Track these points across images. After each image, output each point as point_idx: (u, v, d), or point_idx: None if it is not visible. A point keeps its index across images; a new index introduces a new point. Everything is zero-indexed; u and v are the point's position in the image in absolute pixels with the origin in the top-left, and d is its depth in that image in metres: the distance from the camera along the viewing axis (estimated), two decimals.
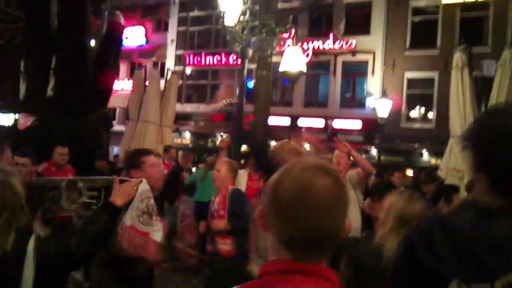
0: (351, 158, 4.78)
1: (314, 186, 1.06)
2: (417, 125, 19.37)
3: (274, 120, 18.58)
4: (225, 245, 4.15)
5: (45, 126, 6.31)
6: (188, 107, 24.06)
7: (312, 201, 1.05)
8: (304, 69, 9.02)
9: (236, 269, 3.78)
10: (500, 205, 1.29)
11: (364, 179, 4.84)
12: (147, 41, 26.46)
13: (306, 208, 1.05)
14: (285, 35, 12.85)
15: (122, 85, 24.81)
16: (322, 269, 1.10)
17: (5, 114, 25.32)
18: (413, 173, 17.90)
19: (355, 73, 21.37)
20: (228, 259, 4.08)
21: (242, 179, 5.62)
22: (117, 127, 21.43)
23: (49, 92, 6.86)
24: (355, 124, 20.17)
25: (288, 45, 11.43)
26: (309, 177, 1.07)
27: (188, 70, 25.03)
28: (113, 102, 21.90)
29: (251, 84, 17.61)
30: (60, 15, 7.22)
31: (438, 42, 19.08)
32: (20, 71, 7.79)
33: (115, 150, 16.88)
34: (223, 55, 23.34)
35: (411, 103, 19.88)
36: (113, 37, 7.92)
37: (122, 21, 7.77)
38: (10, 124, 21.63)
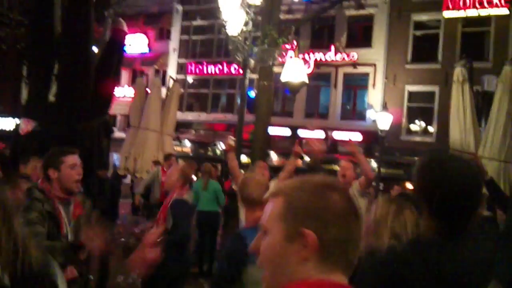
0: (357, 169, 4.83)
1: (332, 206, 1.03)
2: (417, 138, 19.39)
3: (274, 130, 18.61)
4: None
5: (46, 132, 6.33)
6: (189, 116, 24.11)
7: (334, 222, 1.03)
8: (306, 80, 9.05)
9: None
10: (438, 227, 1.61)
11: (366, 188, 4.87)
12: (149, 49, 26.57)
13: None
14: (287, 46, 12.92)
15: (124, 92, 24.88)
16: None
17: (6, 119, 25.35)
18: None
19: (356, 86, 21.45)
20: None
21: None
22: (118, 134, 21.43)
23: (51, 98, 6.88)
24: (355, 136, 20.14)
25: (290, 56, 11.49)
26: (325, 196, 1.04)
27: (190, 79, 25.11)
28: (114, 109, 21.93)
29: (252, 93, 17.67)
30: (63, 21, 7.25)
31: (439, 57, 19.16)
32: (22, 76, 7.83)
33: (115, 157, 16.87)
34: (224, 64, 23.43)
35: (412, 116, 19.92)
36: (116, 44, 7.93)
37: (125, 28, 7.79)
38: (11, 129, 21.63)
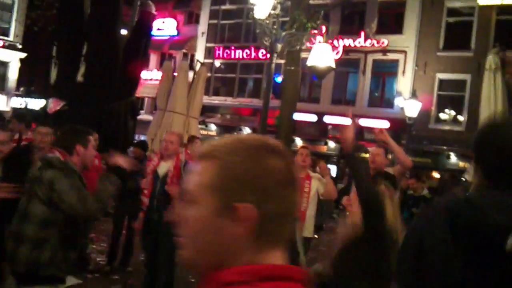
0: (388, 155, 4.70)
1: (269, 168, 0.89)
2: (446, 127, 19.01)
3: (300, 116, 18.52)
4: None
5: (74, 111, 6.45)
6: (215, 100, 24.19)
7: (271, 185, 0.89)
8: (333, 65, 8.94)
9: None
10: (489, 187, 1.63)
11: (402, 177, 4.71)
12: (178, 33, 26.68)
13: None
14: (316, 31, 12.79)
15: (152, 75, 25.11)
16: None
17: (37, 99, 25.91)
18: (440, 175, 17.62)
19: (385, 72, 21.12)
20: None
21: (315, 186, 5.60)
22: (145, 116, 21.72)
23: (79, 78, 7.00)
24: (383, 124, 19.87)
25: (319, 42, 11.37)
26: (262, 158, 0.90)
27: (217, 63, 25.15)
28: (142, 92, 22.21)
29: (279, 79, 17.59)
30: (92, 4, 7.35)
31: (472, 44, 18.65)
32: (52, 57, 7.98)
33: (141, 138, 17.11)
34: (252, 49, 23.35)
35: (442, 104, 19.51)
36: (144, 27, 8.01)
37: (154, 11, 7.85)
38: (40, 108, 22.12)
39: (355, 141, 2.63)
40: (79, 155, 3.19)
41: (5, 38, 26.32)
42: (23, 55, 26.83)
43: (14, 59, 26.83)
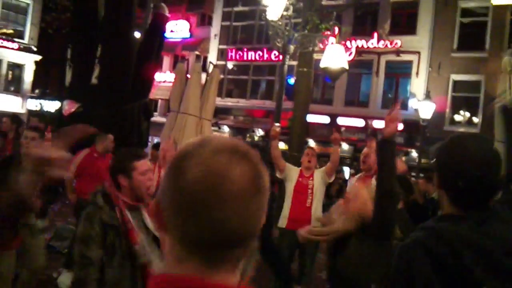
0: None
1: (231, 174, 0.85)
2: (461, 129, 18.81)
3: (313, 118, 18.48)
4: None
5: (88, 113, 6.51)
6: (228, 102, 24.24)
7: (229, 193, 0.84)
8: (345, 66, 8.91)
9: None
10: (461, 215, 1.56)
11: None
12: (191, 35, 26.79)
13: (221, 202, 0.84)
14: (328, 32, 12.75)
15: (165, 77, 25.25)
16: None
17: (53, 101, 26.18)
18: None
19: (398, 74, 20.98)
20: None
21: (294, 175, 5.79)
22: (158, 118, 21.85)
23: (94, 80, 7.07)
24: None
25: (332, 43, 11.34)
26: (224, 162, 0.86)
27: (230, 65, 25.20)
28: (155, 94, 22.34)
29: (291, 80, 17.56)
30: (106, 6, 7.41)
31: (487, 45, 18.45)
32: (67, 59, 8.07)
33: (155, 140, 17.22)
34: (265, 51, 23.36)
35: (456, 106, 19.33)
36: (157, 29, 8.05)
37: (167, 13, 7.89)
38: (55, 110, 22.37)
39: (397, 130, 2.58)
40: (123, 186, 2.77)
41: (20, 40, 26.68)
42: (38, 57, 27.16)
43: (29, 62, 27.18)
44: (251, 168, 0.88)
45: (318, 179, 5.68)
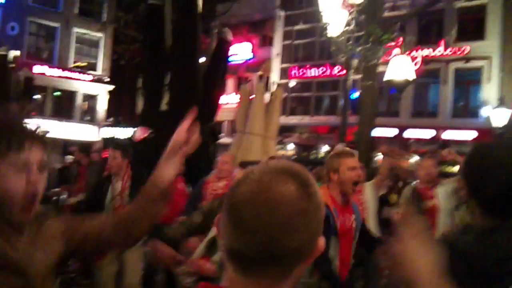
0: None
1: (272, 190, 0.88)
2: None
3: (380, 131, 18.10)
4: None
5: (159, 138, 6.77)
6: (293, 119, 24.30)
7: (266, 208, 0.87)
8: (412, 77, 8.68)
9: None
10: (492, 225, 1.49)
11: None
12: (253, 56, 27.24)
13: (257, 216, 0.87)
14: (392, 44, 12.52)
15: (229, 99, 25.76)
16: None
17: (125, 128, 27.40)
18: None
19: (468, 81, 20.17)
20: None
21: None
22: (224, 139, 22.26)
23: (164, 106, 7.36)
24: (469, 135, 18.94)
25: (395, 54, 11.14)
26: (268, 180, 0.90)
27: (293, 83, 25.32)
28: (221, 116, 22.82)
29: (355, 94, 17.34)
30: (173, 35, 7.73)
31: None
32: (138, 88, 8.48)
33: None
34: (327, 66, 23.29)
35: None
36: (222, 54, 8.29)
37: (230, 38, 8.12)
38: (127, 138, 23.37)
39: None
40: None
41: (94, 72, 28.30)
42: (111, 87, 28.66)
43: (102, 92, 28.73)
44: (297, 187, 0.90)
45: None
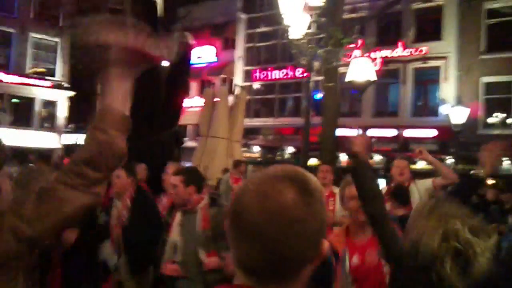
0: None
1: (270, 199, 0.90)
2: (496, 131, 18.32)
3: (343, 132, 18.35)
4: None
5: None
6: (257, 122, 24.35)
7: (268, 215, 0.89)
8: (372, 78, 8.84)
9: None
10: None
11: (441, 189, 4.55)
12: (216, 59, 27.17)
13: (257, 225, 0.89)
14: (352, 46, 12.71)
15: (193, 103, 25.61)
16: None
17: (85, 135, 26.77)
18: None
19: (427, 80, 20.70)
20: None
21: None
22: (188, 143, 22.12)
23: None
24: (429, 133, 19.45)
25: (355, 56, 11.31)
26: (267, 188, 0.92)
27: (256, 85, 25.38)
28: (184, 119, 22.64)
29: (318, 96, 17.53)
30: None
31: None
32: (97, 94, 8.31)
33: (186, 165, 17.38)
34: (289, 68, 23.47)
35: (489, 109, 18.88)
36: (184, 57, 8.23)
37: (192, 42, 8.07)
38: None
39: (367, 151, 2.54)
40: None
41: (52, 78, 27.58)
42: (71, 93, 27.98)
43: (61, 98, 28.03)
44: (298, 193, 0.92)
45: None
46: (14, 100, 26.54)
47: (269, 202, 0.90)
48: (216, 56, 27.25)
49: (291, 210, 0.90)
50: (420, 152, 4.72)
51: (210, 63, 27.06)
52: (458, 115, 15.87)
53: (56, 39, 27.50)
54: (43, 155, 7.55)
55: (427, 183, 4.60)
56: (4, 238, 1.23)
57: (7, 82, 25.57)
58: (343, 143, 18.69)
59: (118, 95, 1.37)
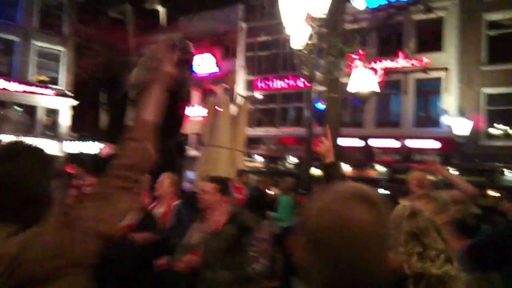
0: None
1: (353, 222, 0.95)
2: (499, 143, 18.33)
3: (345, 141, 18.35)
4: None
5: None
6: (259, 131, 24.37)
7: (350, 237, 0.94)
8: (375, 88, 8.88)
9: None
10: None
11: (460, 203, 4.44)
12: (217, 68, 27.26)
13: (342, 247, 0.94)
14: (354, 56, 12.75)
15: (195, 112, 25.66)
16: None
17: (87, 142, 26.83)
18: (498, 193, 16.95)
19: (428, 91, 20.73)
20: None
21: None
22: (191, 152, 22.11)
23: (128, 122, 7.26)
24: (431, 144, 19.45)
25: (356, 66, 11.34)
26: (347, 210, 0.97)
27: (257, 95, 25.44)
28: (187, 129, 22.64)
29: (319, 105, 17.56)
30: (136, 49, 7.67)
31: None
32: (101, 103, 8.34)
33: (189, 175, 17.39)
34: (291, 78, 23.53)
35: (492, 120, 18.89)
36: (185, 66, 8.25)
37: (192, 50, 8.10)
38: (93, 152, 22.92)
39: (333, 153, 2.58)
40: None
41: (56, 86, 27.67)
42: (74, 102, 28.05)
43: (64, 107, 28.09)
44: (373, 214, 0.97)
45: None
46: (17, 108, 26.61)
47: (353, 225, 0.95)
48: (217, 65, 27.33)
49: (373, 230, 0.96)
50: (434, 165, 4.58)
51: (212, 72, 27.15)
52: (460, 126, 15.87)
53: (60, 48, 27.63)
54: None
55: (442, 195, 4.48)
56: (84, 239, 1.41)
57: (10, 90, 25.65)
58: (345, 153, 18.72)
59: (153, 108, 1.72)
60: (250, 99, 22.32)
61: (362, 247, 0.94)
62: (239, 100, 12.44)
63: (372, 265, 0.95)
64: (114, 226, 1.50)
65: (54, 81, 27.92)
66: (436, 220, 1.78)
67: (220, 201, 3.90)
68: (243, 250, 3.86)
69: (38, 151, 1.59)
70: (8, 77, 25.91)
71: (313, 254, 0.98)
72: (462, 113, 16.23)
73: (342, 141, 12.80)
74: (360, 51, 11.99)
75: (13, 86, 25.80)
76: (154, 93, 1.72)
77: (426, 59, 19.98)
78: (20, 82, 26.12)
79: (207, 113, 12.07)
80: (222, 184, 4.04)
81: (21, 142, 1.57)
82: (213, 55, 27.42)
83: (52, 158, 1.69)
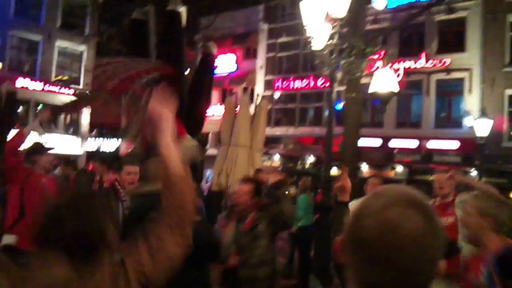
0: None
1: (401, 228, 0.94)
2: None
3: (365, 142, 18.26)
4: None
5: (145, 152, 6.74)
6: (277, 131, 24.38)
7: (397, 245, 0.93)
8: (395, 89, 8.80)
9: None
10: None
11: None
12: (237, 68, 27.35)
13: (390, 253, 0.93)
14: (375, 57, 12.67)
15: (215, 111, 25.79)
16: None
17: (109, 140, 27.17)
18: None
19: (450, 92, 20.49)
20: None
21: None
22: (210, 151, 22.25)
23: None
24: (452, 145, 19.21)
25: (378, 67, 11.27)
26: (395, 216, 0.95)
27: (277, 95, 25.45)
28: (206, 128, 22.78)
29: (339, 106, 17.49)
30: (157, 48, 7.73)
31: None
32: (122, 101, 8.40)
33: (207, 173, 17.54)
34: (311, 78, 23.48)
35: None
36: (207, 67, 8.30)
37: (215, 51, 8.13)
38: (113, 151, 23.20)
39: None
40: None
41: (76, 86, 28.07)
42: None
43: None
44: (423, 219, 0.96)
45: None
46: (39, 106, 27.10)
47: (402, 231, 0.94)
48: (237, 65, 27.43)
49: (422, 238, 0.94)
50: (452, 176, 4.42)
51: (231, 72, 27.25)
52: (482, 127, 15.63)
53: (82, 48, 28.01)
54: (69, 160, 7.84)
55: (463, 197, 4.41)
56: (124, 283, 1.42)
57: (33, 90, 26.12)
58: (365, 153, 18.61)
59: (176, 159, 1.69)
60: (269, 99, 22.37)
61: (408, 254, 0.93)
62: (258, 100, 12.47)
63: (417, 273, 0.94)
64: (161, 271, 1.49)
65: (76, 80, 28.33)
66: None
67: (256, 201, 4.03)
68: (275, 244, 4.03)
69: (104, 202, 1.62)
70: (32, 76, 26.38)
71: (357, 256, 0.97)
72: (484, 114, 15.98)
73: (362, 141, 12.74)
74: (381, 51, 11.92)
75: (36, 85, 26.26)
76: (165, 146, 1.70)
77: (448, 59, 19.74)
78: (43, 82, 26.58)
79: (226, 112, 12.14)
80: (257, 185, 4.18)
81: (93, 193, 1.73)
82: (234, 55, 27.53)
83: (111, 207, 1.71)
